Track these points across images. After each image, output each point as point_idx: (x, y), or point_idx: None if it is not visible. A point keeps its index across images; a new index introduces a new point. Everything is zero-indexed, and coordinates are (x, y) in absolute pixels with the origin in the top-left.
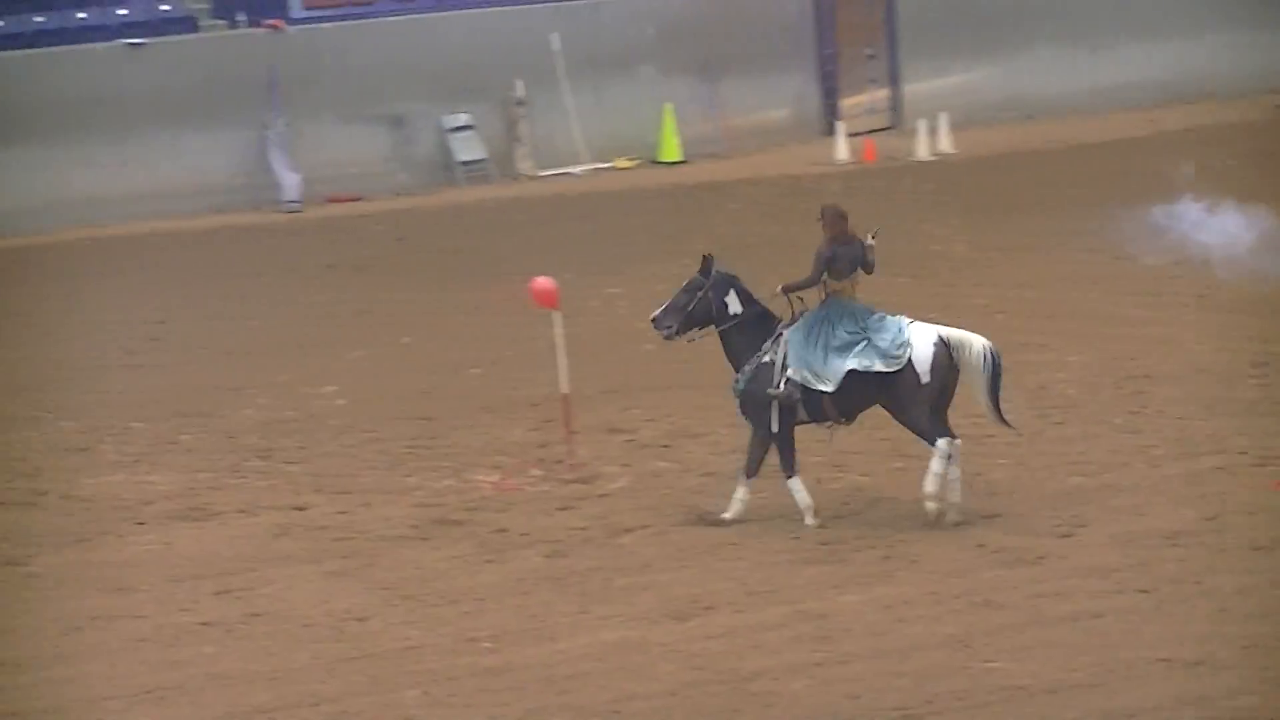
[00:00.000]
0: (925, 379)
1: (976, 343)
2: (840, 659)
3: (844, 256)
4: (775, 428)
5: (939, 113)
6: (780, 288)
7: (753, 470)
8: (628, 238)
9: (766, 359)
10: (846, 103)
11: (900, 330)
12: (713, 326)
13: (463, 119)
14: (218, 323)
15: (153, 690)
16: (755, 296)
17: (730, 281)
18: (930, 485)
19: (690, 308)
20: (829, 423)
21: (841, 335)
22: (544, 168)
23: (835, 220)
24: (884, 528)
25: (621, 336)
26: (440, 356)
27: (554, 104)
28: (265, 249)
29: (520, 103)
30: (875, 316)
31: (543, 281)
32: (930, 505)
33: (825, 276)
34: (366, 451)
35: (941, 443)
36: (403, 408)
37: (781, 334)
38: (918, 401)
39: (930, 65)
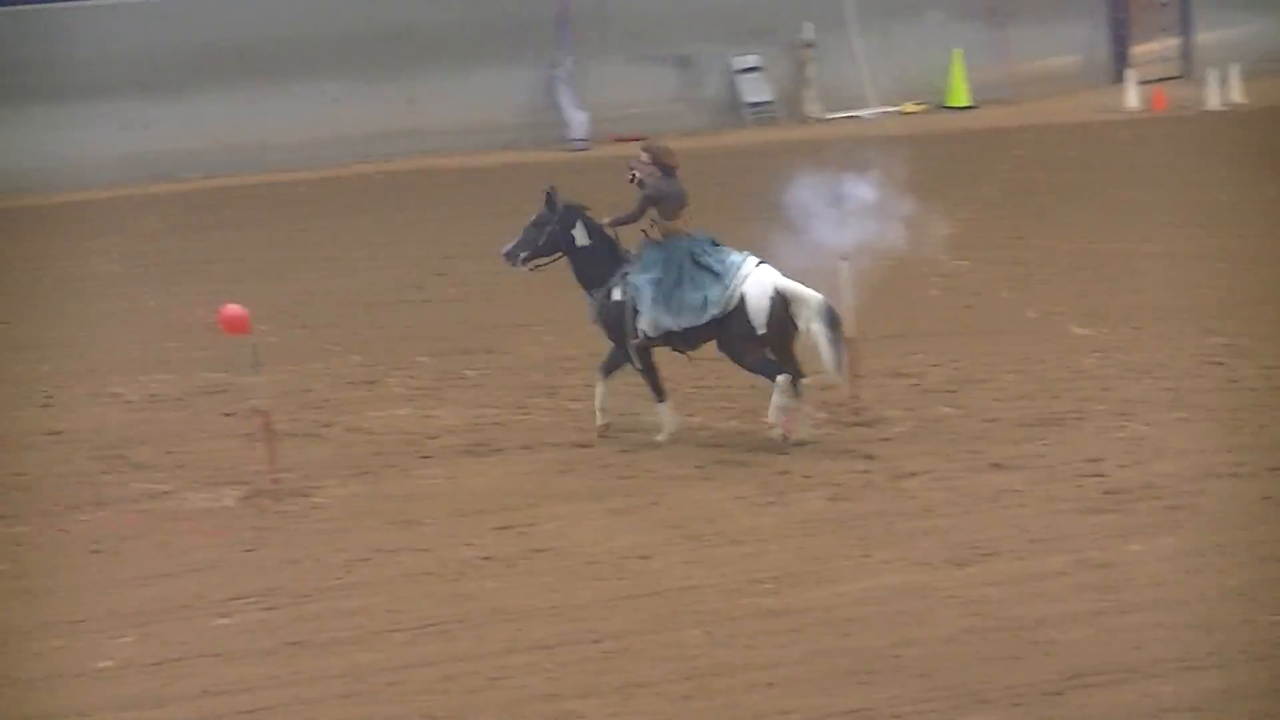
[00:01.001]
0: (761, 331)
1: (813, 299)
2: (1122, 609)
3: (671, 194)
4: (639, 365)
5: (1230, 62)
6: (609, 220)
7: (608, 371)
8: (914, 182)
9: (616, 296)
10: (1137, 50)
11: (733, 276)
12: (562, 255)
13: (751, 60)
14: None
15: (436, 623)
16: (601, 229)
17: (577, 214)
18: (771, 415)
19: (540, 241)
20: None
21: (681, 278)
22: (831, 111)
23: (661, 158)
24: (1169, 478)
25: (906, 280)
26: None
27: (842, 47)
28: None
29: (809, 45)
30: (715, 257)
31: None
32: (773, 433)
33: (656, 215)
34: (648, 389)
35: (781, 378)
36: None
37: (626, 273)
38: (749, 349)
39: (1222, 14)
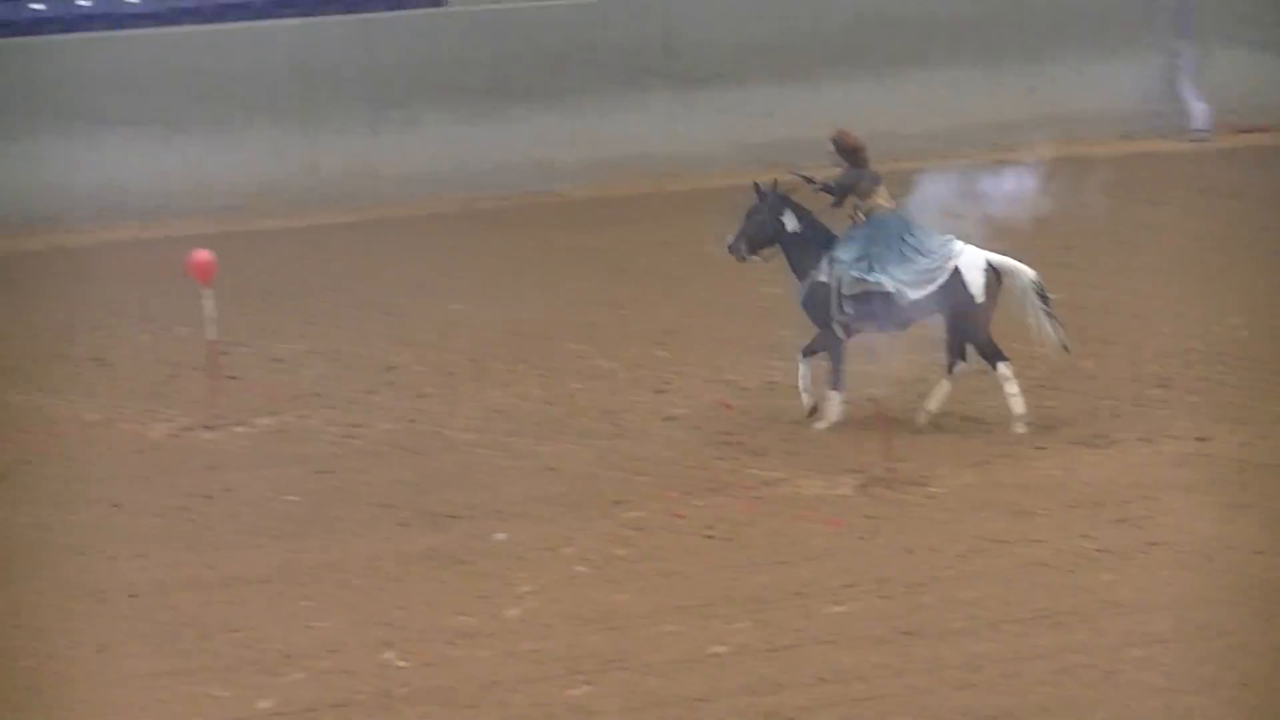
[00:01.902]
0: (980, 299)
1: (1025, 272)
2: None
3: (862, 177)
4: (842, 336)
5: None
6: (819, 185)
7: (810, 353)
8: None
9: (822, 278)
10: None
11: (944, 251)
12: (776, 245)
13: None
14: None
15: (1049, 614)
16: (811, 215)
17: (785, 202)
18: (1015, 406)
19: (753, 232)
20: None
21: (888, 254)
22: None
23: (849, 144)
24: None
25: None
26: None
27: None
28: (1171, 176)
29: None
30: (924, 235)
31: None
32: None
33: (857, 200)
34: (1271, 383)
35: (1004, 365)
36: None
37: (833, 255)
38: (979, 323)
39: None
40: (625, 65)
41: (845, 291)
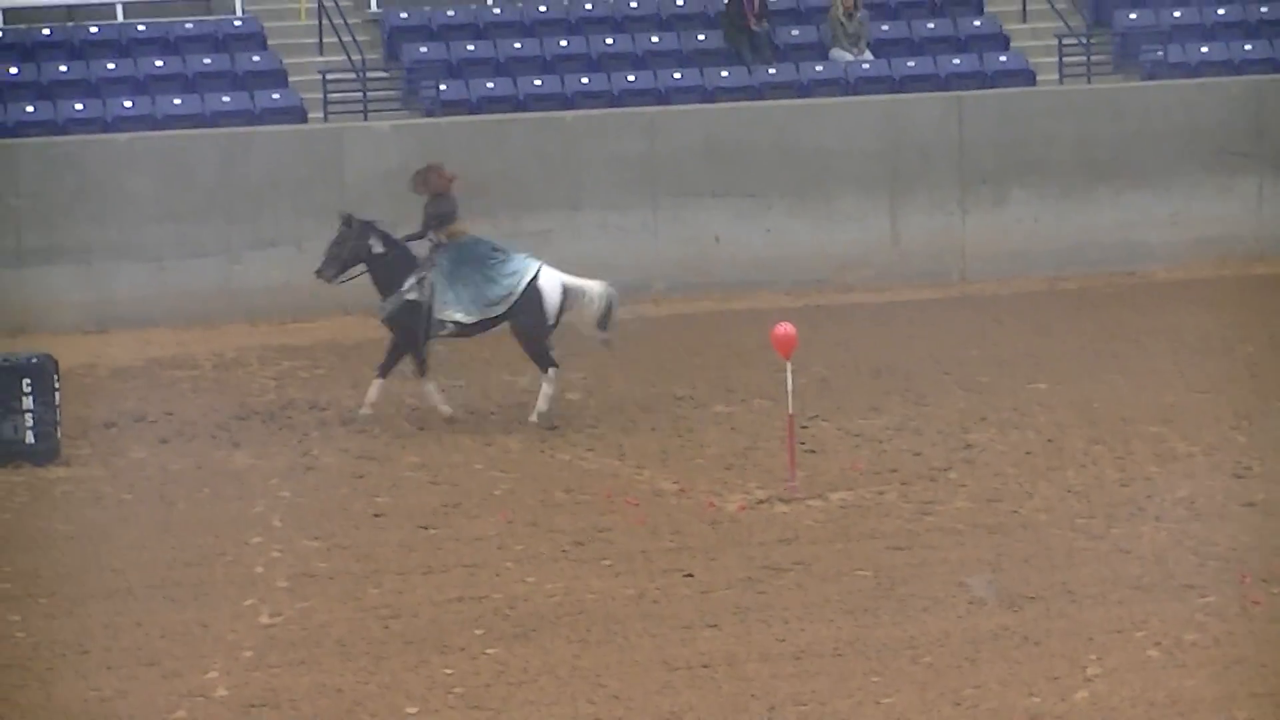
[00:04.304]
0: (550, 321)
1: (594, 287)
2: None
3: (448, 208)
4: (421, 356)
5: None
6: (401, 237)
7: (385, 371)
8: None
9: (411, 296)
10: None
11: (518, 275)
12: (363, 266)
13: None
14: None
15: None
16: (394, 240)
17: (370, 228)
18: (543, 403)
19: (342, 255)
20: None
21: (471, 276)
22: None
23: (430, 180)
24: None
25: None
26: None
27: None
28: None
29: None
30: (502, 260)
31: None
32: (536, 418)
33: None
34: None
35: (554, 371)
36: None
37: (425, 277)
38: (541, 335)
39: None
40: (1214, 146)
41: (438, 316)
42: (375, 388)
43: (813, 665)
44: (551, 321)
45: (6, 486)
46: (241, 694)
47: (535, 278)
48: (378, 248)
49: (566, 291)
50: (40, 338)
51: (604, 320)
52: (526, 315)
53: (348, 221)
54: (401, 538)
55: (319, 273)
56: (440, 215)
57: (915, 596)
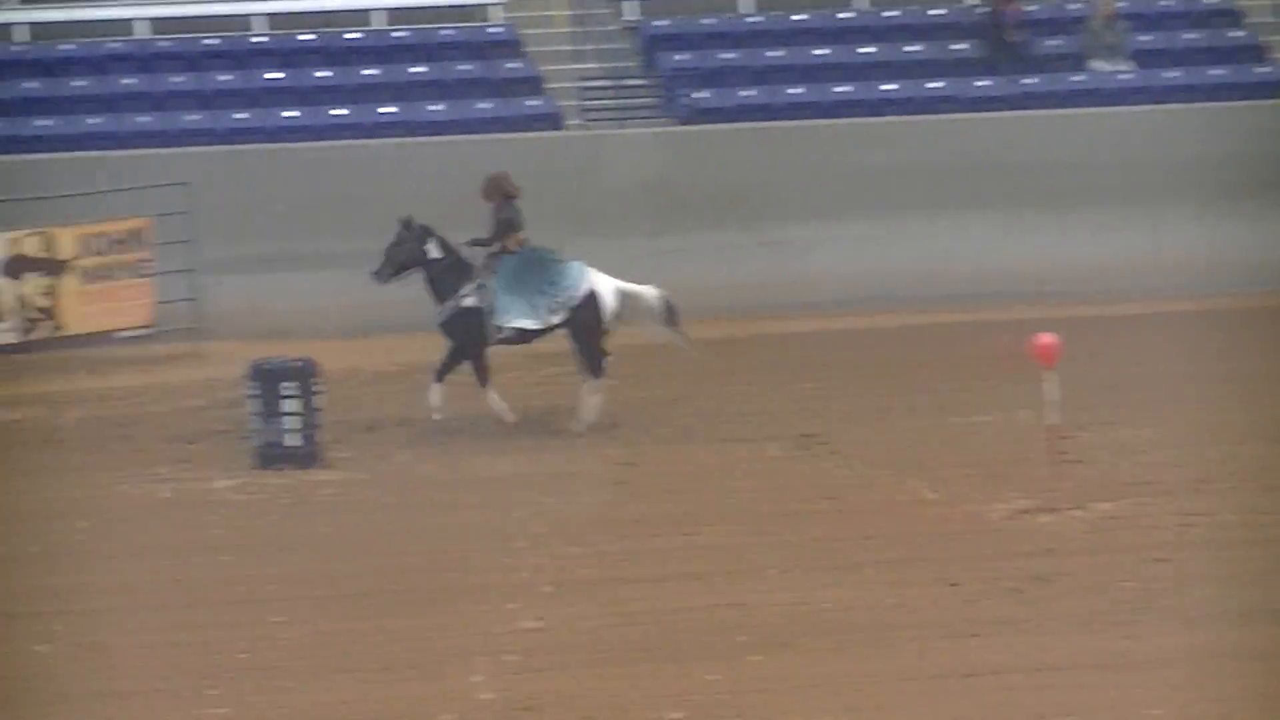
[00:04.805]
0: (607, 325)
1: (648, 291)
2: None
3: (515, 216)
4: (481, 363)
5: None
6: (469, 241)
7: (441, 375)
8: None
9: (469, 302)
10: None
11: (575, 281)
12: (418, 269)
13: None
14: None
15: None
16: (452, 245)
17: (428, 232)
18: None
19: (399, 258)
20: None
21: (532, 283)
22: None
23: (498, 189)
24: None
25: None
26: None
27: None
28: None
29: None
30: (560, 266)
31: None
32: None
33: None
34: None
35: (602, 379)
36: None
37: (484, 284)
38: (599, 340)
39: None
40: None
41: (499, 322)
42: (435, 392)
43: (1077, 677)
44: (608, 326)
45: (269, 490)
46: (506, 698)
47: (593, 283)
48: (434, 253)
49: (622, 296)
50: (301, 342)
51: (669, 317)
52: (587, 320)
53: (407, 225)
54: (663, 545)
55: (374, 274)
56: (508, 222)
57: (1176, 609)
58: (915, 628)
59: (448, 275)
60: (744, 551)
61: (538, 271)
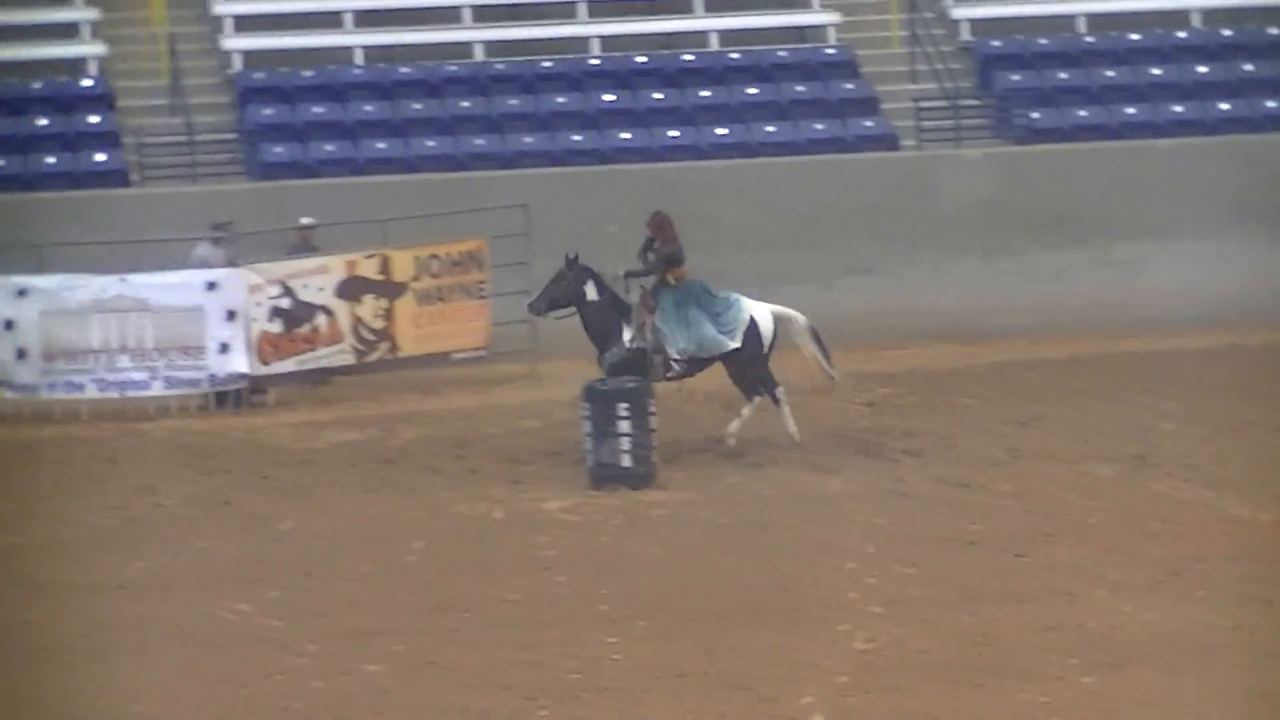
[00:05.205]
0: (766, 348)
1: (799, 318)
2: None
3: (678, 251)
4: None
5: None
6: (623, 272)
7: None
8: None
9: (636, 344)
10: None
11: (738, 311)
12: (574, 308)
13: None
14: None
15: None
16: (608, 286)
17: (589, 273)
18: (736, 427)
19: (556, 294)
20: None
21: (696, 316)
22: None
23: (664, 224)
24: None
25: None
26: None
27: None
28: None
29: None
30: (720, 297)
31: None
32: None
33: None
34: None
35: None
36: None
37: (646, 322)
38: (758, 363)
39: None
40: None
41: (671, 356)
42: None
43: None
44: (768, 350)
45: (604, 510)
46: (837, 719)
47: (753, 312)
48: (592, 294)
49: (777, 321)
50: None
51: (817, 339)
52: (750, 348)
53: (570, 264)
54: (995, 565)
55: (529, 305)
56: (671, 257)
57: None
58: (1248, 650)
59: (602, 316)
60: (1075, 573)
61: (700, 304)
